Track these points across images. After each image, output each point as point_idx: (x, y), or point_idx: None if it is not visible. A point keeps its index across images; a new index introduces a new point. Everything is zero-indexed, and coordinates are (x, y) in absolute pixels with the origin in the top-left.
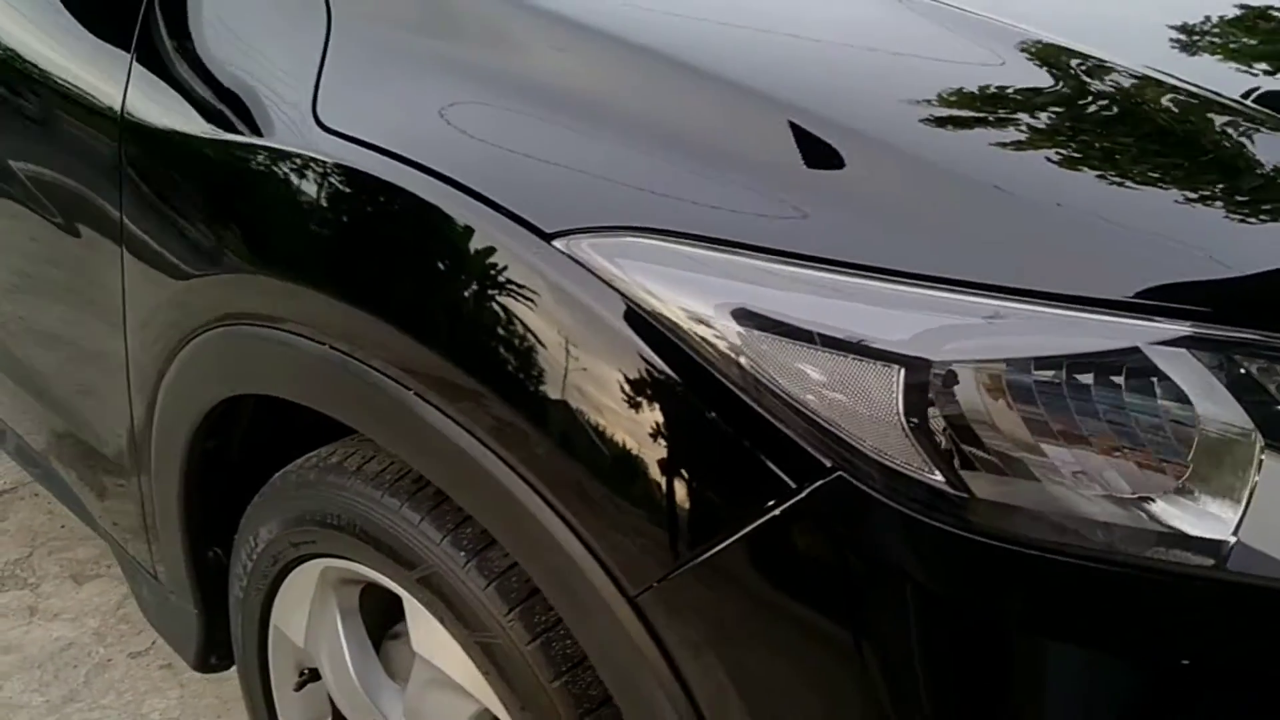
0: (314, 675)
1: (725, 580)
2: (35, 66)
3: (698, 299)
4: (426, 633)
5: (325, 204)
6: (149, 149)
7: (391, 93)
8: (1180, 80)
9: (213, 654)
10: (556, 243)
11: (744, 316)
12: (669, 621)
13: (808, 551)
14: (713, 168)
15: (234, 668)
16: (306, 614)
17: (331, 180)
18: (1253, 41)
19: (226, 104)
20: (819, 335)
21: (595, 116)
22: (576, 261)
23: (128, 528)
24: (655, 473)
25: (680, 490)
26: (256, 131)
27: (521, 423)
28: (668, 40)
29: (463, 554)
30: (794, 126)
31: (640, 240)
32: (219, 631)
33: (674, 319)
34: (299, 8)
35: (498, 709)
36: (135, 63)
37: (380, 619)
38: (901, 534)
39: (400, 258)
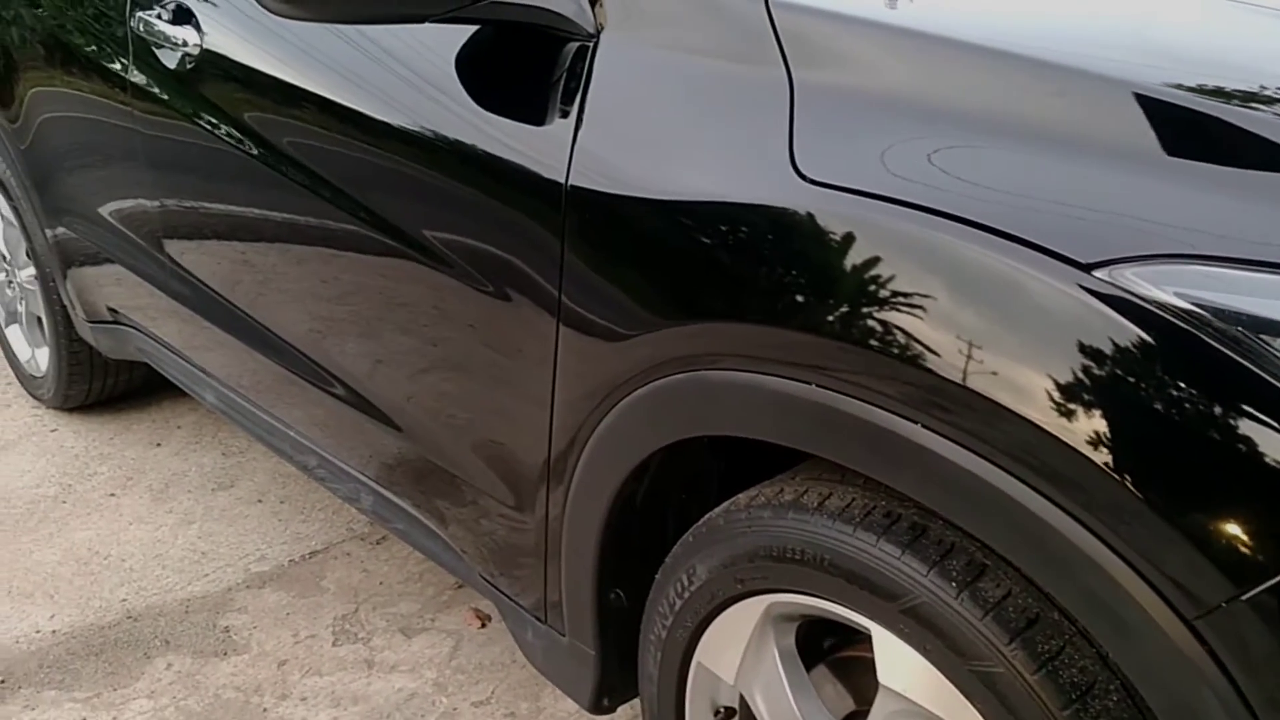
0: (730, 713)
1: None
2: (466, 141)
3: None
4: (898, 665)
5: (820, 253)
6: (596, 217)
7: (864, 140)
8: None
9: (606, 695)
10: (1097, 273)
11: None
12: (1230, 643)
13: None
14: (1219, 189)
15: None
16: (741, 650)
17: (825, 229)
18: None
19: (686, 166)
20: None
21: (1073, 144)
22: (1124, 290)
23: (516, 576)
24: (1228, 497)
25: (1252, 514)
26: (726, 190)
27: (1058, 450)
28: (1096, 62)
29: (953, 584)
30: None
31: (1190, 268)
32: (615, 673)
33: (1239, 342)
34: (754, 68)
35: None
36: (579, 133)
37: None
38: None
39: (911, 296)
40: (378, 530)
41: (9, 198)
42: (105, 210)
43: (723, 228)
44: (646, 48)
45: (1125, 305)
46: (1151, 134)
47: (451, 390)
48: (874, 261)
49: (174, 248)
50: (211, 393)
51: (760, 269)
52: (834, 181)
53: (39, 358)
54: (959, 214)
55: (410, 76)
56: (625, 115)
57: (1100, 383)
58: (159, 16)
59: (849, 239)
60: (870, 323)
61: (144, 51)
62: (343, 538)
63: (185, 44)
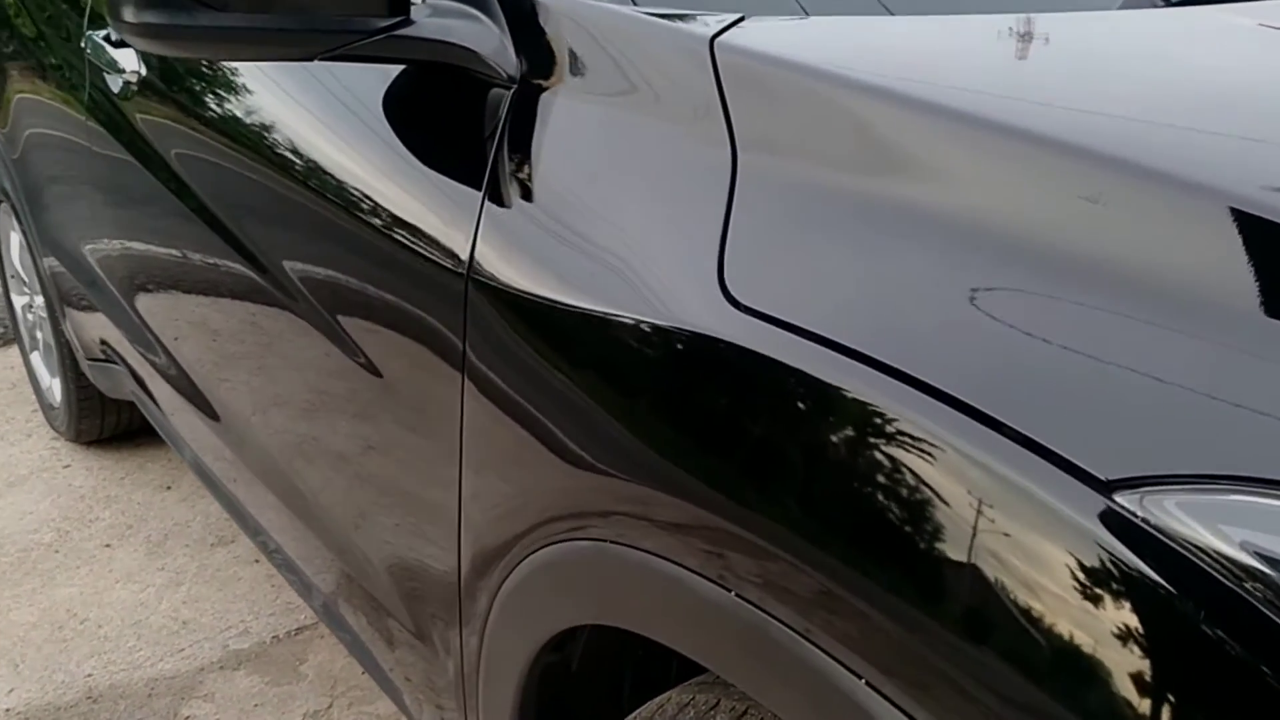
0: None
1: None
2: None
3: None
4: None
5: (741, 402)
6: (497, 312)
7: (828, 259)
8: None
9: None
10: (1119, 496)
11: None
12: None
13: None
14: None
15: None
16: None
17: (751, 372)
18: None
19: (595, 269)
20: None
21: (1112, 283)
22: (1152, 529)
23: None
24: None
25: None
26: (636, 308)
27: None
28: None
29: None
30: None
31: (1259, 501)
32: None
33: None
34: (690, 152)
35: None
36: (484, 203)
37: None
38: None
39: (854, 495)
40: None
41: (16, 215)
42: (82, 243)
43: (630, 349)
44: (570, 99)
45: (1149, 543)
46: (1245, 272)
47: (369, 502)
48: (800, 420)
49: (134, 297)
50: (188, 451)
51: (658, 407)
52: (769, 310)
53: (55, 388)
54: (941, 387)
55: (337, 109)
56: (537, 184)
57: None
58: (106, 39)
59: (781, 390)
60: (804, 512)
61: (97, 76)
62: None
63: (125, 70)
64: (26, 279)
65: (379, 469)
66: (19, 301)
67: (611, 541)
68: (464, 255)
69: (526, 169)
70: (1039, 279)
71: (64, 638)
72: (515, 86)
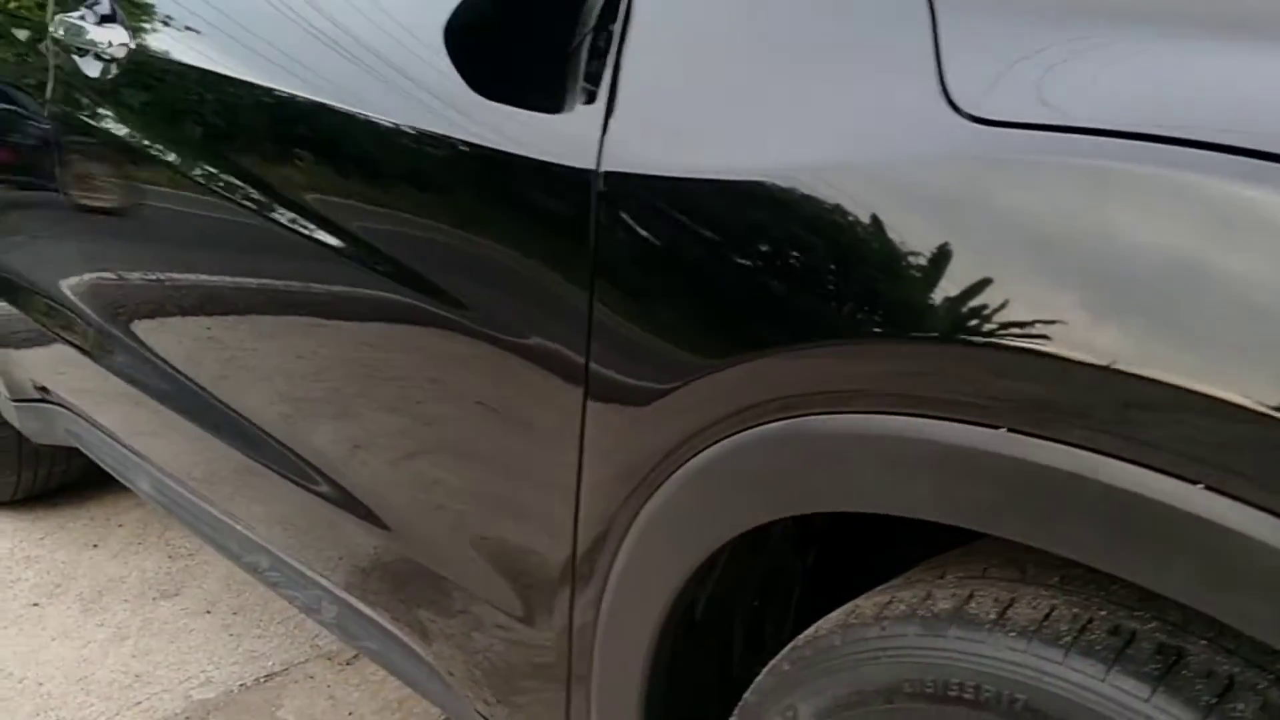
0: None
1: None
2: (462, 140)
3: None
4: None
5: (1010, 223)
6: (645, 210)
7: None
8: None
9: None
10: None
11: None
12: None
13: None
14: None
15: None
16: None
17: (1011, 183)
18: None
19: (783, 123)
20: None
21: None
22: None
23: (521, 705)
24: None
25: None
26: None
27: None
28: None
29: None
30: None
31: None
32: None
33: None
34: None
35: None
36: (614, 103)
37: None
38: None
39: (1164, 275)
40: (349, 649)
41: None
42: (39, 272)
43: (845, 199)
44: None
45: None
46: None
47: (444, 476)
48: (1104, 225)
49: (116, 314)
50: (147, 480)
51: (912, 256)
52: (1010, 116)
53: None
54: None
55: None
56: (684, 73)
57: None
58: (83, 19)
59: (1053, 195)
60: (1107, 332)
61: (66, 64)
62: (306, 656)
63: (112, 44)
64: None
65: (461, 421)
66: None
67: (813, 413)
68: (590, 153)
69: (662, 61)
70: None
71: (3, 697)
72: None
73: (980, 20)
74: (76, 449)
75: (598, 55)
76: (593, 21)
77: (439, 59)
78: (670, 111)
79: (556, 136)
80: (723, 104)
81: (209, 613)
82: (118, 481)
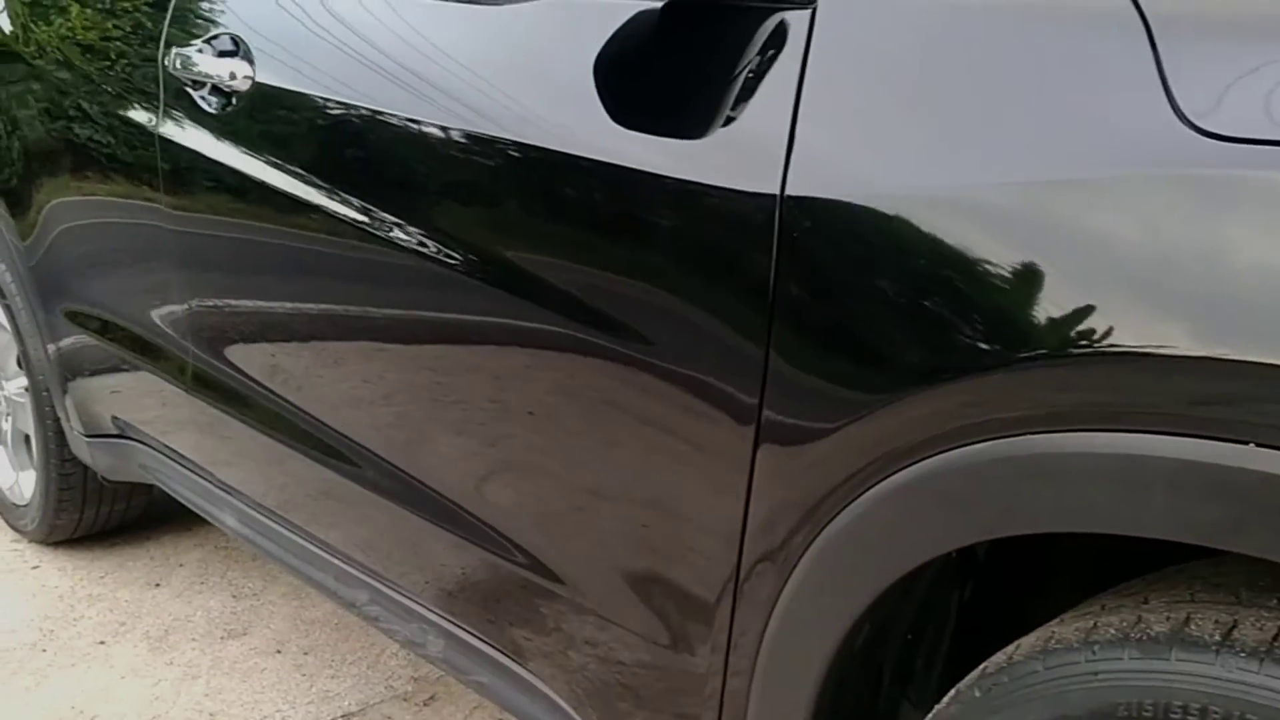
0: None
1: None
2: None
3: None
4: None
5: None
6: (833, 231)
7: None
8: None
9: None
10: None
11: None
12: None
13: None
14: None
15: None
16: None
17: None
18: None
19: (992, 139)
20: None
21: None
22: None
23: None
24: None
25: None
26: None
27: None
28: None
29: None
30: None
31: None
32: None
33: None
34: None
35: None
36: (796, 127)
37: None
38: None
39: None
40: (424, 687)
41: (0, 295)
42: (131, 306)
43: (1061, 214)
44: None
45: None
46: None
47: (592, 501)
48: None
49: (210, 338)
50: (232, 514)
51: (1157, 268)
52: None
53: (23, 483)
54: None
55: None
56: (877, 91)
57: None
58: (200, 52)
59: None
60: None
61: (177, 99)
62: (381, 697)
63: (236, 77)
64: None
65: (626, 455)
66: None
67: (1031, 432)
68: (775, 180)
69: (853, 82)
70: None
71: None
72: (815, 4)
73: (1194, 38)
74: (140, 487)
75: (779, 75)
76: (769, 41)
77: (593, 87)
78: (865, 131)
79: (734, 161)
80: (922, 123)
81: (279, 652)
82: (176, 521)
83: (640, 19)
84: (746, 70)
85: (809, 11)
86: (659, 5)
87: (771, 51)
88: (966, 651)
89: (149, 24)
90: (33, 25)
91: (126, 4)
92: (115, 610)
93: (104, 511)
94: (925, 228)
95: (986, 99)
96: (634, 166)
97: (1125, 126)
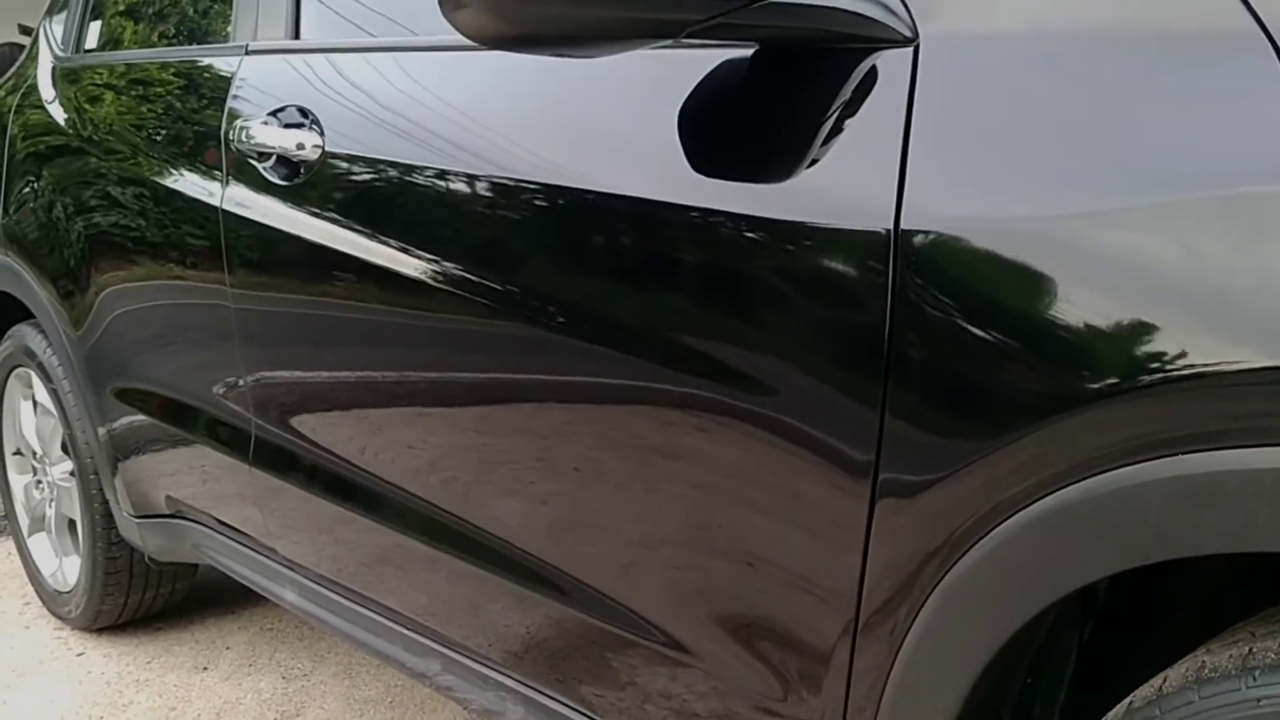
0: None
1: None
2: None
3: None
4: None
5: None
6: (956, 259)
7: None
8: None
9: None
10: None
11: None
12: None
13: None
14: None
15: None
16: None
17: None
18: None
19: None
20: None
21: None
22: None
23: None
24: None
25: None
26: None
27: None
28: None
29: None
30: None
31: None
32: None
33: None
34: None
35: None
36: (907, 162)
37: None
38: None
39: None
40: None
41: (47, 379)
42: (191, 381)
43: (1208, 227)
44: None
45: None
46: None
47: (695, 556)
48: None
49: (274, 409)
50: (293, 589)
51: None
52: None
53: (66, 569)
54: None
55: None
56: (991, 125)
57: None
58: (266, 124)
59: None
60: None
61: (242, 171)
62: None
63: (305, 148)
64: (40, 450)
65: (734, 508)
66: (19, 482)
67: (1192, 450)
68: (888, 219)
69: (965, 115)
70: None
71: None
72: (916, 42)
73: None
74: (185, 569)
75: (883, 113)
76: (867, 80)
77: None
78: (979, 167)
79: (844, 197)
80: (1039, 156)
81: None
82: (220, 604)
83: (726, 67)
84: (849, 111)
85: (911, 49)
86: (748, 53)
87: (874, 91)
88: (1079, 696)
89: (209, 99)
90: (86, 108)
91: (183, 81)
92: (164, 695)
93: (149, 595)
94: (1054, 255)
95: (1107, 128)
96: (735, 211)
97: (1258, 149)
